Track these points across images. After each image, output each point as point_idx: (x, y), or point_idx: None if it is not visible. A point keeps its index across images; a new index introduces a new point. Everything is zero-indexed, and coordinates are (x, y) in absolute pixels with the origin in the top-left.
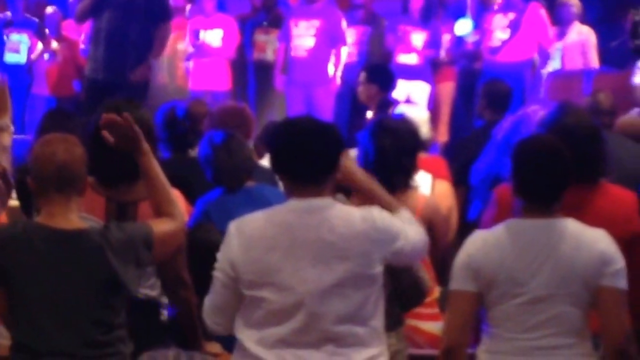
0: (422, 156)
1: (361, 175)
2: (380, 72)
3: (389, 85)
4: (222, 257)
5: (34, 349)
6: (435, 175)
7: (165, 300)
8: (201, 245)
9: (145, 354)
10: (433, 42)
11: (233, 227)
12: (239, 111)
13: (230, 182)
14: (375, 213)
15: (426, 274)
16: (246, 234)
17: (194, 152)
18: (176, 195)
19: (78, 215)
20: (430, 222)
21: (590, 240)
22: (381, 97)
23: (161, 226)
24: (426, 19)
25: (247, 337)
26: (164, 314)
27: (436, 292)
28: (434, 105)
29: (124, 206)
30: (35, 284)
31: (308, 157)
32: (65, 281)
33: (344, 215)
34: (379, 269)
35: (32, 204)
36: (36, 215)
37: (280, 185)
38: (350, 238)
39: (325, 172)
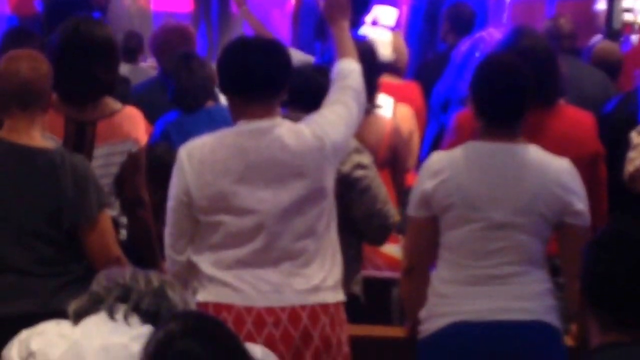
0: (395, 81)
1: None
2: None
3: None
4: (175, 183)
5: None
6: (407, 100)
7: (123, 220)
8: (159, 165)
9: (102, 273)
10: None
11: (183, 152)
12: (181, 30)
13: (189, 102)
14: (323, 127)
15: (392, 208)
16: (197, 159)
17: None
18: (136, 114)
19: (41, 134)
20: (395, 147)
21: (554, 172)
22: None
23: None
24: None
25: (202, 259)
26: (122, 233)
27: (396, 215)
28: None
29: (83, 125)
30: None
31: (255, 75)
32: (20, 198)
33: (294, 133)
34: (331, 181)
35: None
36: None
37: None
38: (304, 155)
39: (273, 91)
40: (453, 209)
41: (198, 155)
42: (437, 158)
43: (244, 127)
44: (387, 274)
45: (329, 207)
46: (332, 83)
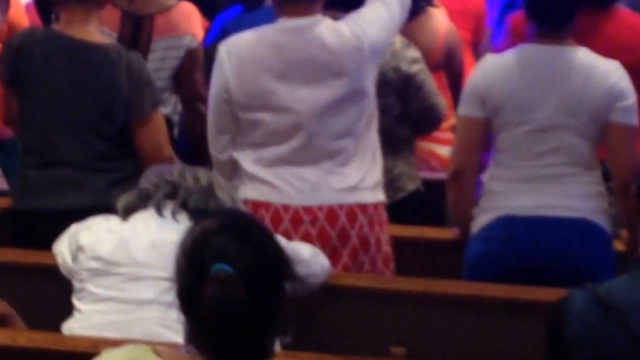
0: None
1: None
2: None
3: None
4: (215, 80)
5: (41, 154)
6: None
7: (176, 117)
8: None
9: (150, 170)
10: None
11: (223, 49)
12: None
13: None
14: (362, 27)
15: (442, 100)
16: (236, 56)
17: None
18: (192, 10)
19: (98, 29)
20: (450, 47)
21: (602, 73)
22: None
23: None
24: None
25: (243, 157)
26: (175, 131)
27: (453, 118)
28: None
29: (140, 19)
30: (46, 90)
31: None
32: (75, 92)
33: (333, 32)
34: (371, 81)
35: (51, 15)
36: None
37: None
38: (343, 54)
39: None
40: (504, 112)
41: (237, 53)
42: (490, 60)
43: (284, 24)
44: (441, 175)
45: (369, 107)
46: None
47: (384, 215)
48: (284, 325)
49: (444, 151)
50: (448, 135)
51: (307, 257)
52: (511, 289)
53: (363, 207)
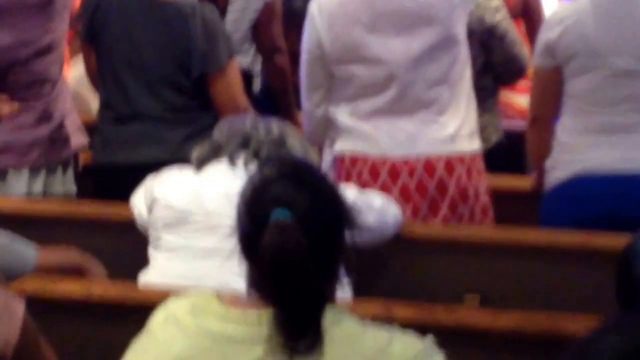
0: None
1: None
2: None
3: None
4: (307, 36)
5: (118, 109)
6: None
7: (257, 68)
8: (298, 16)
9: (223, 121)
10: None
11: (314, 5)
12: None
13: None
14: None
15: (525, 50)
16: (327, 11)
17: None
18: None
19: None
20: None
21: None
22: None
23: None
24: None
25: (339, 111)
26: (255, 83)
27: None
28: None
29: None
30: (123, 45)
31: None
32: (151, 46)
33: None
34: (462, 28)
35: None
36: None
37: None
38: (432, 1)
39: None
40: (577, 57)
41: (328, 8)
42: (562, 7)
43: None
44: (520, 124)
45: (461, 54)
46: None
47: (481, 163)
48: (347, 273)
49: (521, 100)
50: (525, 83)
51: (379, 206)
52: (587, 237)
53: (461, 157)
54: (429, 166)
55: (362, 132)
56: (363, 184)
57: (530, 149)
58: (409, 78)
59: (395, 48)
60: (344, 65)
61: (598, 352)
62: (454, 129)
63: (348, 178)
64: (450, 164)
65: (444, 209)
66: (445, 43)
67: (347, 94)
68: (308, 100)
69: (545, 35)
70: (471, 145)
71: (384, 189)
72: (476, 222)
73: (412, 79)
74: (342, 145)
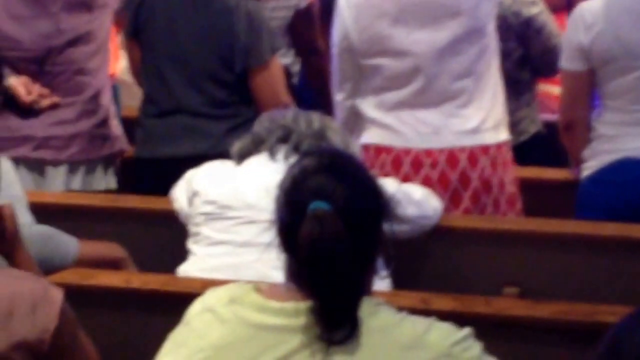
0: None
1: None
2: None
3: None
4: (336, 29)
5: (161, 103)
6: None
7: (296, 67)
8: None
9: (264, 115)
10: None
11: None
12: None
13: None
14: None
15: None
16: (354, 4)
17: None
18: None
19: None
20: None
21: None
22: None
23: None
24: None
25: (366, 102)
26: (294, 81)
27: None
28: None
29: None
30: (167, 39)
31: None
32: (195, 40)
33: None
34: (490, 19)
35: None
36: None
37: None
38: None
39: None
40: (615, 61)
41: (355, 1)
42: (589, 7)
43: None
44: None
45: (488, 46)
46: None
47: (508, 155)
48: (386, 265)
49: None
50: None
51: (419, 198)
52: (625, 228)
53: (485, 149)
54: (451, 158)
55: (387, 124)
56: (385, 175)
57: (568, 148)
58: (434, 70)
59: (421, 40)
60: (370, 57)
61: (633, 344)
62: (478, 121)
63: (371, 169)
64: (473, 156)
65: (465, 201)
66: (471, 35)
67: (373, 86)
68: (339, 91)
69: (576, 37)
70: (497, 136)
71: (406, 180)
72: (501, 213)
73: (437, 71)
74: (367, 138)
